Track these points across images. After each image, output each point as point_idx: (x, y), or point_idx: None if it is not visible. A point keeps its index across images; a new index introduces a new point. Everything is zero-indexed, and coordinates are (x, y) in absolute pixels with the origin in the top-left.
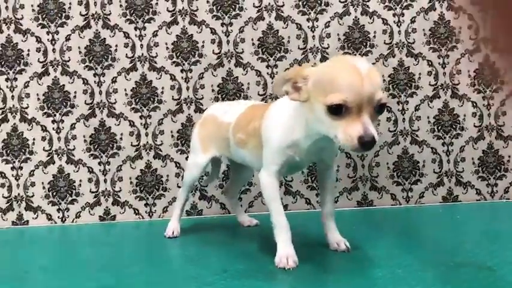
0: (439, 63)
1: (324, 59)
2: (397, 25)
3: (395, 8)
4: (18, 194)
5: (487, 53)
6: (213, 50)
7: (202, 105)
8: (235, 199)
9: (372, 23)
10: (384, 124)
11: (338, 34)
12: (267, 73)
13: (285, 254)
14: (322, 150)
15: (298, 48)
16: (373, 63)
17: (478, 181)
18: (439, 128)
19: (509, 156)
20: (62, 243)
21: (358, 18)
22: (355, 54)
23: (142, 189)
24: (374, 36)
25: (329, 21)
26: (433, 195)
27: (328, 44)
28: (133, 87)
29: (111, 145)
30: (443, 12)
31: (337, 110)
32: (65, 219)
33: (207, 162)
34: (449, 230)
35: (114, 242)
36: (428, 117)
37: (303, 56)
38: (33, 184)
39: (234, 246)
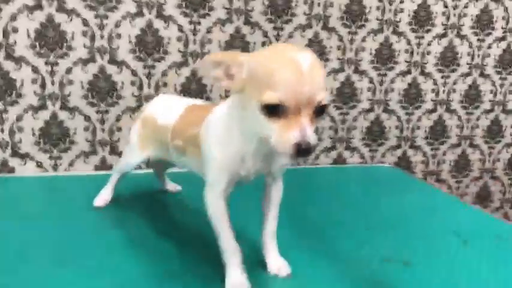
0: (348, 39)
1: None
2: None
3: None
4: None
5: None
6: None
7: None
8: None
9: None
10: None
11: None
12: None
13: (237, 282)
14: (269, 158)
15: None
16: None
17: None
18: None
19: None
20: None
21: None
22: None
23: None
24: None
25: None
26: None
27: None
28: (37, 29)
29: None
30: None
31: (272, 110)
32: None
33: (140, 161)
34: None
35: None
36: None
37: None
38: None
39: None
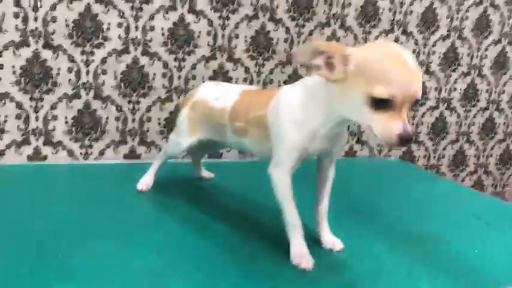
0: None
1: None
2: None
3: None
4: None
5: None
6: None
7: None
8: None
9: None
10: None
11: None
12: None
13: (302, 254)
14: (334, 138)
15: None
16: None
17: None
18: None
19: None
20: None
21: None
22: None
23: (78, 130)
24: None
25: None
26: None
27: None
28: (75, 19)
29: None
30: None
31: (379, 103)
32: None
33: (191, 144)
34: None
35: None
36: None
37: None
38: None
39: None
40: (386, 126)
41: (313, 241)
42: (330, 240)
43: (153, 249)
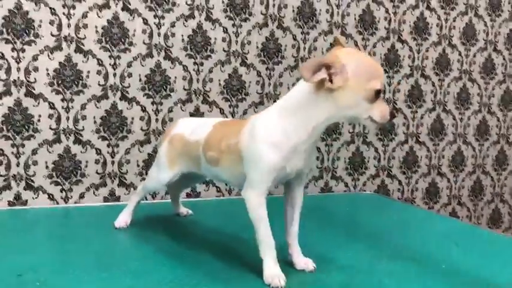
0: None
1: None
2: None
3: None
4: None
5: None
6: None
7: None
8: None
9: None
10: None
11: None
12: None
13: (274, 273)
14: (309, 154)
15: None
16: None
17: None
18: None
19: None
20: None
21: None
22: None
23: (59, 174)
24: None
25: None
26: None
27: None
28: (56, 68)
29: (26, 127)
30: None
31: (378, 93)
32: None
33: (171, 178)
34: None
35: None
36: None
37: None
38: None
39: None
40: (381, 110)
41: (285, 263)
42: (303, 260)
43: (133, 276)
